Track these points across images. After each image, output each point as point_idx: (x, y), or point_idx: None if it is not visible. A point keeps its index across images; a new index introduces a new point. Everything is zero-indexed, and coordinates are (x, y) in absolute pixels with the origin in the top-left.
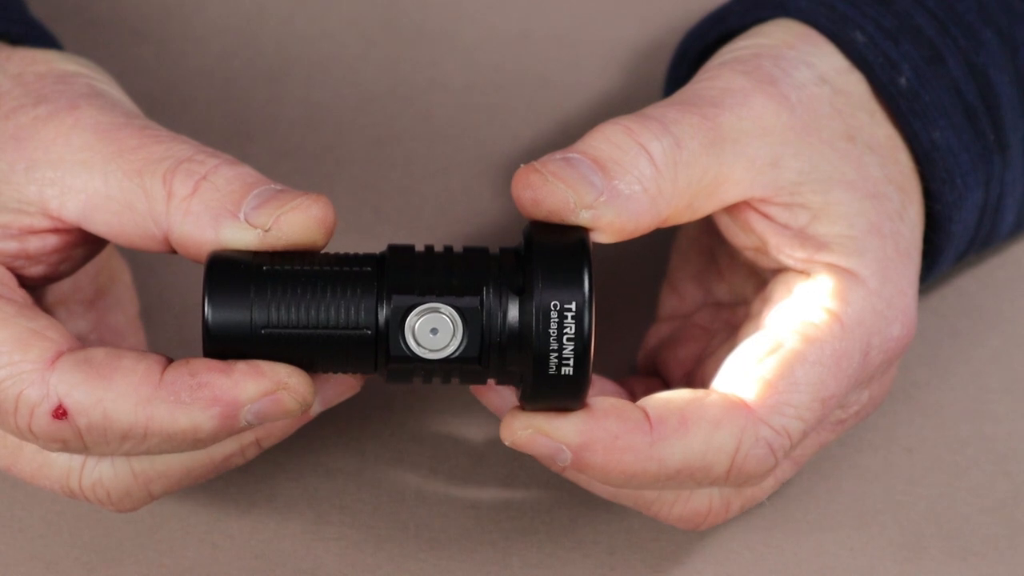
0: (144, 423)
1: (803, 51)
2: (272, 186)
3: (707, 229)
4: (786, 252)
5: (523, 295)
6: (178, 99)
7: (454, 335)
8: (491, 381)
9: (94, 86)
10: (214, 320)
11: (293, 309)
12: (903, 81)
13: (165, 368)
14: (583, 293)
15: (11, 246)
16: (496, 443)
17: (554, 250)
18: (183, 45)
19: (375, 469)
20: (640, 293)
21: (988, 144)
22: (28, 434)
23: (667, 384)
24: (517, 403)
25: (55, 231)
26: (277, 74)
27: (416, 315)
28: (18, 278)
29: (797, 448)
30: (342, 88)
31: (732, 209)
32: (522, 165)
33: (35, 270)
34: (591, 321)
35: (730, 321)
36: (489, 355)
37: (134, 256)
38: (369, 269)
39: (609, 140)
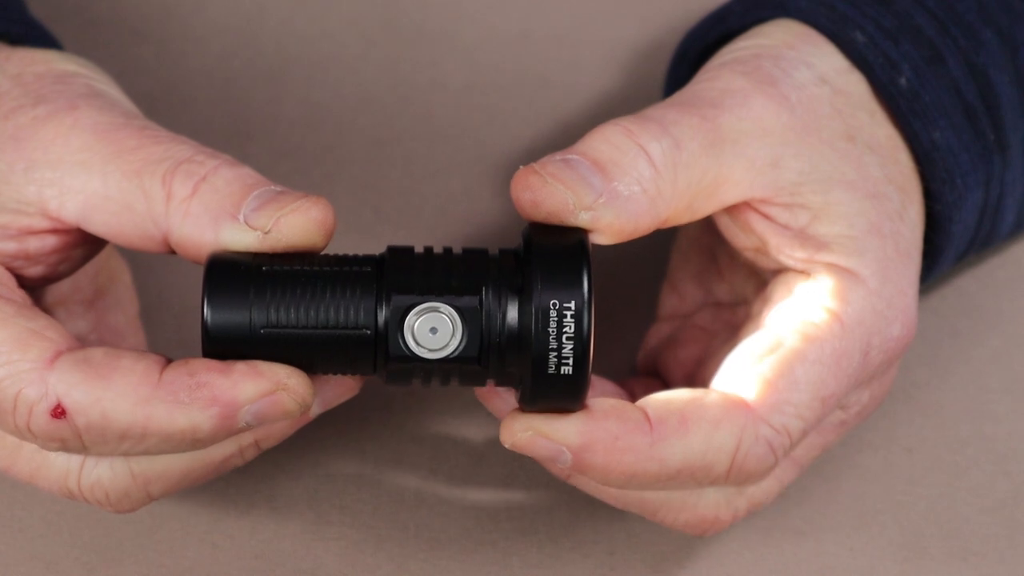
0: (142, 423)
1: (803, 51)
2: (272, 187)
3: (707, 229)
4: (786, 252)
5: (522, 295)
6: (178, 99)
7: (453, 335)
8: (490, 382)
9: (93, 86)
10: (213, 321)
11: (292, 309)
12: (903, 81)
13: (164, 368)
14: (582, 293)
15: (10, 246)
16: (496, 443)
17: (553, 251)
18: (183, 45)
19: (375, 470)
20: (640, 293)
21: (988, 144)
22: (27, 433)
23: (667, 385)
24: (517, 405)
25: (54, 231)
26: (277, 74)
27: (415, 315)
28: (17, 278)
29: (799, 449)
30: (342, 88)
31: (732, 210)
32: (521, 167)
33: (34, 270)
34: (590, 321)
35: (731, 321)
36: (488, 355)
37: (134, 256)
38: (369, 269)
39: (608, 141)
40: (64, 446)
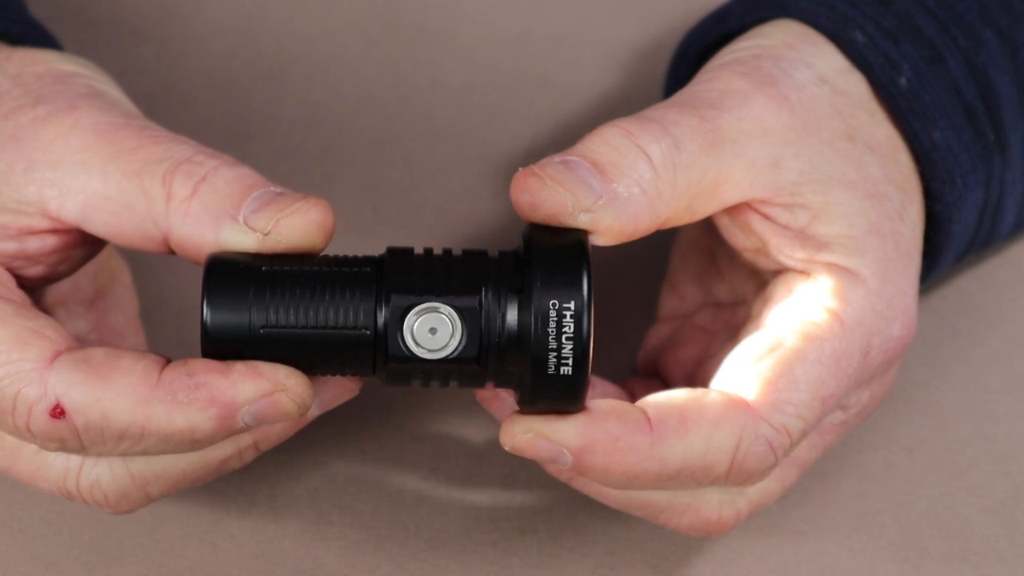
0: (141, 423)
1: (803, 51)
2: (272, 188)
3: (707, 229)
4: (786, 253)
5: (522, 296)
6: (178, 99)
7: (453, 335)
8: (490, 384)
9: (93, 86)
10: (212, 321)
11: (292, 310)
12: (903, 81)
13: (163, 368)
14: (582, 293)
15: (10, 247)
16: (496, 444)
17: (553, 252)
18: (183, 45)
19: (375, 469)
20: (640, 293)
21: (988, 144)
22: (26, 433)
23: (667, 386)
24: (517, 408)
25: (54, 232)
26: (277, 74)
27: (415, 315)
28: (17, 279)
29: (800, 450)
30: (342, 88)
31: (732, 210)
32: (520, 168)
33: (34, 270)
34: (590, 321)
35: (731, 322)
36: (488, 355)
37: (134, 256)
38: (368, 270)
39: (608, 143)
40: (63, 446)
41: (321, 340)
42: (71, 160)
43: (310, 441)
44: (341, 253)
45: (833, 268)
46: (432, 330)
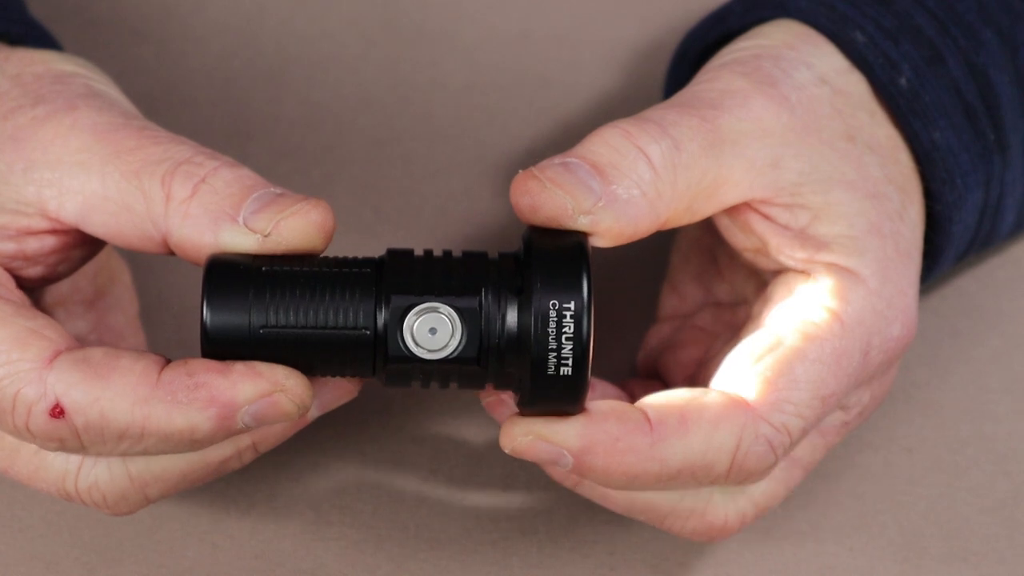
0: (141, 423)
1: (803, 52)
2: (271, 189)
3: (707, 230)
4: (786, 253)
5: (522, 297)
6: (178, 99)
7: (453, 335)
8: (489, 385)
9: (92, 86)
10: (212, 322)
11: (292, 310)
12: (903, 81)
13: (163, 368)
14: (582, 294)
15: (9, 247)
16: (496, 444)
17: (553, 253)
18: (183, 45)
19: (375, 470)
20: (640, 294)
21: (988, 144)
22: (25, 433)
23: (667, 387)
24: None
25: (53, 232)
26: (277, 74)
27: (415, 315)
28: (16, 279)
29: (803, 451)
30: (342, 88)
31: (732, 210)
32: (520, 171)
33: (33, 271)
34: (590, 322)
35: (731, 322)
36: (488, 356)
37: (134, 256)
38: (368, 271)
39: (607, 144)
40: (63, 446)
41: (321, 340)
42: (70, 160)
43: (310, 442)
44: (341, 253)
45: (833, 268)
46: (432, 330)
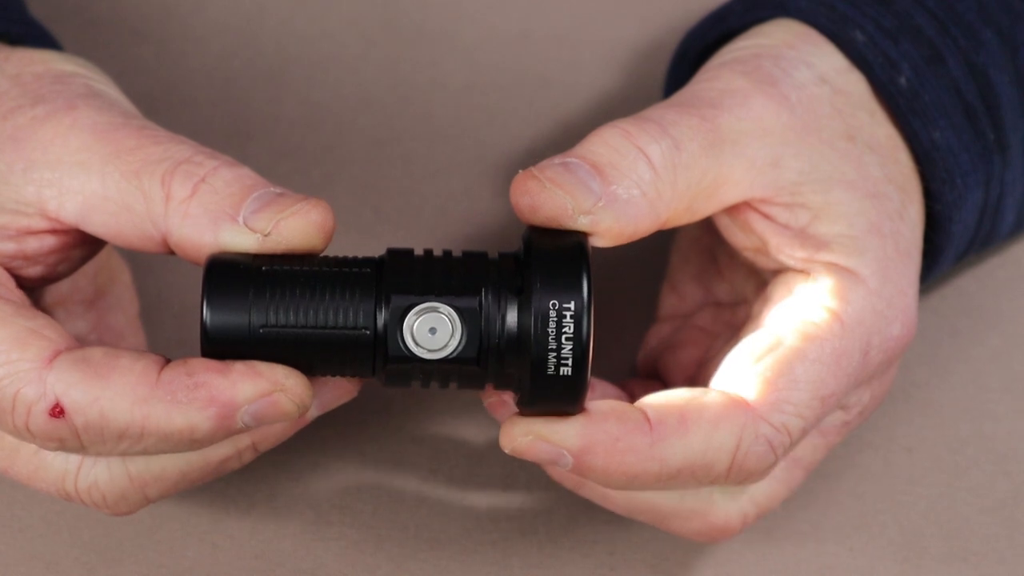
0: (140, 422)
1: (803, 51)
2: (271, 189)
3: (707, 229)
4: (786, 252)
5: (522, 297)
6: (178, 99)
7: (452, 335)
8: (489, 385)
9: (92, 86)
10: (212, 321)
11: (292, 310)
12: (903, 81)
13: (163, 368)
14: (582, 294)
15: (9, 247)
16: (496, 444)
17: (553, 253)
18: (183, 45)
19: (375, 470)
20: (640, 293)
21: (988, 144)
22: (25, 433)
23: (667, 387)
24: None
25: (53, 232)
26: (277, 74)
27: (415, 314)
28: (16, 279)
29: (804, 452)
30: (342, 88)
31: (732, 210)
32: (520, 171)
33: (33, 271)
34: (590, 322)
35: (731, 322)
36: (487, 356)
37: (134, 256)
38: (368, 271)
39: (607, 144)
40: (62, 446)
41: (321, 340)
42: (70, 160)
43: (310, 442)
44: (341, 253)
45: (833, 268)
46: (432, 330)
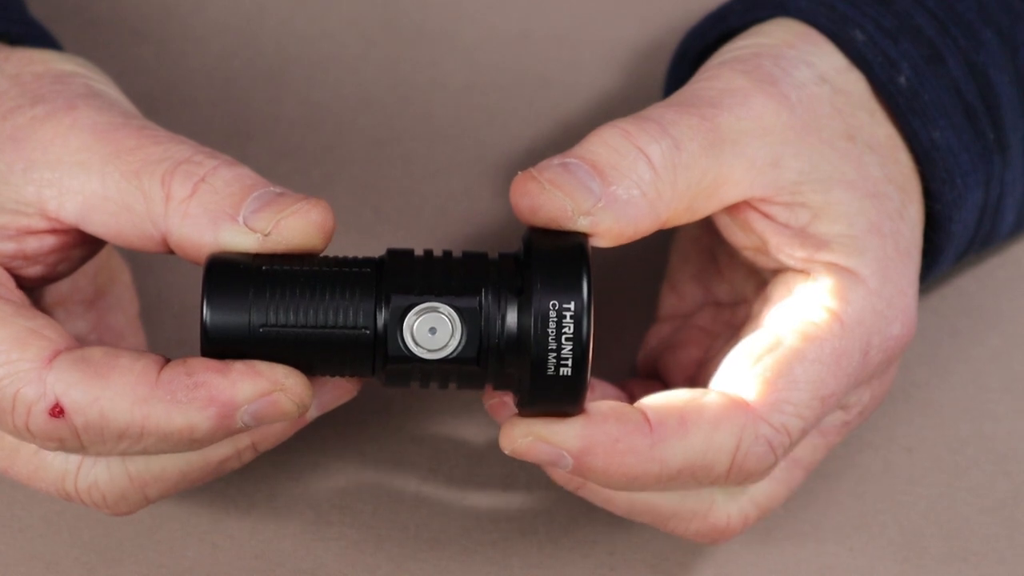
0: (140, 422)
1: (803, 50)
2: (271, 189)
3: (707, 228)
4: (786, 252)
5: (522, 297)
6: (178, 99)
7: (452, 335)
8: (489, 387)
9: (91, 86)
10: (212, 321)
11: (291, 310)
12: (902, 80)
13: (162, 367)
14: (582, 294)
15: (9, 247)
16: (496, 444)
17: (553, 254)
18: (183, 45)
19: (375, 470)
20: (640, 293)
21: (988, 144)
22: (25, 433)
23: (667, 387)
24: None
25: (53, 232)
26: (277, 74)
27: (415, 314)
28: (16, 279)
29: (805, 452)
30: (342, 88)
31: (732, 209)
32: (520, 172)
33: (33, 271)
34: (590, 322)
35: (731, 322)
36: (487, 356)
37: (134, 256)
38: (368, 271)
39: (607, 144)
40: (62, 446)
41: (321, 340)
42: (70, 160)
43: (309, 442)
44: (341, 253)
45: (833, 268)
46: (432, 330)
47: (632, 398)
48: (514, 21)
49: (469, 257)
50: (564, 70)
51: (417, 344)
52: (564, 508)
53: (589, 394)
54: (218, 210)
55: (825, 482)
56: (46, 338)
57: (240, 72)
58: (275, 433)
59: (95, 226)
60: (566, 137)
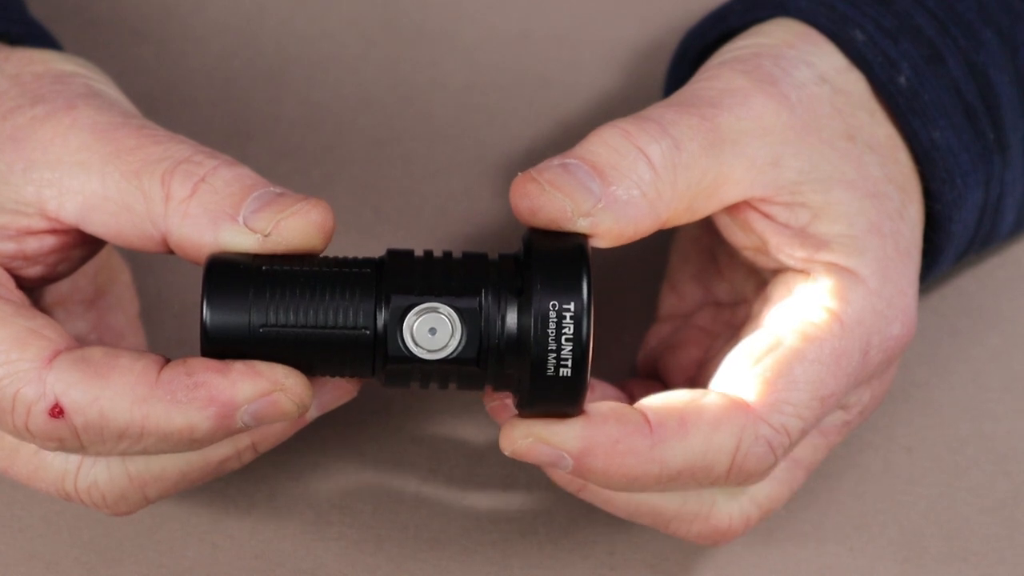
0: (140, 422)
1: (803, 50)
2: (271, 189)
3: (707, 228)
4: (786, 251)
5: (522, 298)
6: (178, 99)
7: (452, 335)
8: (488, 387)
9: (91, 86)
10: (212, 321)
11: (292, 310)
12: (902, 80)
13: (162, 367)
14: (582, 295)
15: (9, 247)
16: (496, 444)
17: (553, 255)
18: (183, 45)
19: (375, 470)
20: (640, 294)
21: (988, 144)
22: (25, 433)
23: (667, 388)
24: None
25: (53, 232)
26: (277, 74)
27: (415, 315)
28: (16, 279)
29: (805, 452)
30: (342, 88)
31: (732, 209)
32: (519, 174)
33: (33, 271)
34: (590, 323)
35: (731, 322)
36: (487, 357)
37: (134, 256)
38: (368, 271)
39: (607, 144)
40: (62, 446)
41: (321, 340)
42: (70, 160)
43: (309, 442)
44: (341, 253)
45: (833, 268)
46: (432, 330)
47: (632, 398)
48: (514, 21)
49: (469, 258)
50: (564, 70)
51: (417, 344)
52: (564, 509)
53: (589, 395)
54: (218, 210)
55: (825, 482)
56: (46, 338)
57: (240, 72)
58: (275, 433)
59: (95, 226)
60: (566, 137)
